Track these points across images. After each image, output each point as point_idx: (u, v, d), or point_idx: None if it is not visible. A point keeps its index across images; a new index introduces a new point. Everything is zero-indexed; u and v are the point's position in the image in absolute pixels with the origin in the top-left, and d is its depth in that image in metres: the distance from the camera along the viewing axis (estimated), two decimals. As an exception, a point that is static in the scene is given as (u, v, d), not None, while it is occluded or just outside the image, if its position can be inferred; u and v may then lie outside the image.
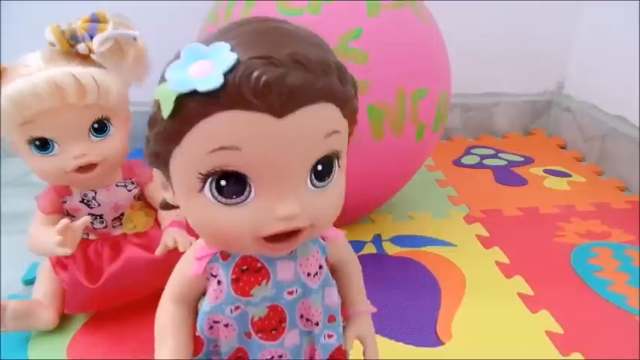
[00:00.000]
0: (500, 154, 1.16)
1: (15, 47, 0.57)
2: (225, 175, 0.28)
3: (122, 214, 0.63)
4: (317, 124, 0.28)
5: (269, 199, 0.29)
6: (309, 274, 0.36)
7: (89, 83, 0.52)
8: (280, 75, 0.26)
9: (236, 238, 0.30)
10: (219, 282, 0.35)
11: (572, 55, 1.20)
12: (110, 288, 0.61)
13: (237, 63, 0.26)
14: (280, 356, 0.38)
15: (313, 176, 0.30)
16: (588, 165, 1.11)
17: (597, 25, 1.12)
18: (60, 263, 0.61)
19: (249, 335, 0.37)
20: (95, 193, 0.60)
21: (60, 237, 0.52)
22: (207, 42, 0.27)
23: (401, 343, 0.62)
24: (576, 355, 0.60)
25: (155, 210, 0.66)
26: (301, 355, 0.39)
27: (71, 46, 0.54)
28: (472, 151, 1.18)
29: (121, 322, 0.64)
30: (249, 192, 0.29)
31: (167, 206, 0.34)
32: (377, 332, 0.63)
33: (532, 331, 0.64)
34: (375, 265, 0.76)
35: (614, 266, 0.76)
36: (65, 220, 0.53)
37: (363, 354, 0.44)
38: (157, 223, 0.65)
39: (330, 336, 0.39)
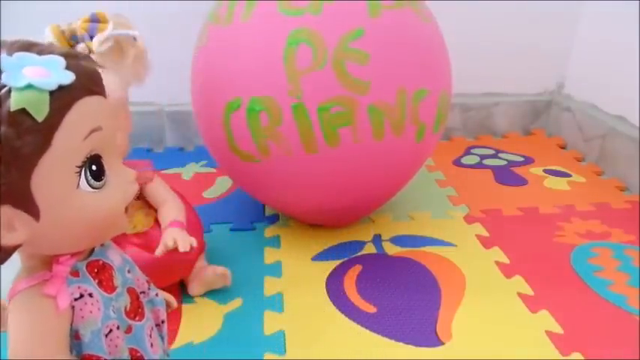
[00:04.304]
0: (500, 154, 1.16)
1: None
2: (91, 160, 0.31)
3: (122, 214, 0.63)
4: None
5: (116, 168, 0.33)
6: (122, 250, 0.39)
7: (89, 83, 0.52)
8: (91, 63, 0.31)
9: (115, 218, 0.33)
10: (90, 294, 0.34)
11: (572, 55, 1.20)
12: (110, 288, 0.61)
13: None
14: (152, 328, 0.39)
15: None
16: (588, 165, 1.11)
17: (597, 25, 1.13)
18: (60, 263, 0.61)
19: (130, 329, 0.37)
20: (95, 193, 0.60)
21: (60, 237, 0.52)
22: None
23: (401, 343, 0.62)
24: (576, 355, 0.60)
25: (155, 210, 0.66)
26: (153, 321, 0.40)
27: (71, 46, 0.54)
28: (472, 151, 1.18)
29: (121, 322, 0.64)
30: (105, 170, 0.32)
31: (7, 255, 0.30)
32: (377, 332, 0.64)
33: (532, 331, 0.64)
34: (375, 265, 0.76)
35: (614, 266, 0.76)
36: (65, 220, 0.53)
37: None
38: (157, 223, 0.65)
39: (157, 295, 0.41)
